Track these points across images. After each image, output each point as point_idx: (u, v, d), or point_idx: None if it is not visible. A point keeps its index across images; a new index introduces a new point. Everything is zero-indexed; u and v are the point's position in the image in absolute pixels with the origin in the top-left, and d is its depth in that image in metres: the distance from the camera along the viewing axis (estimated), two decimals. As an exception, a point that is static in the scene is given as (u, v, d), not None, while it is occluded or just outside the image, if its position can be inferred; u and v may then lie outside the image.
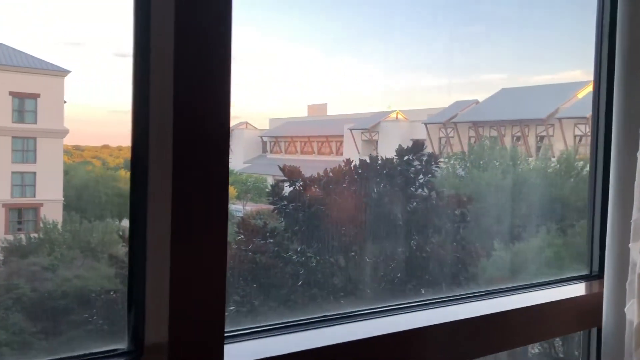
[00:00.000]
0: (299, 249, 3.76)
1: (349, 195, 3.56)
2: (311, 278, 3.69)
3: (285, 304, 3.77)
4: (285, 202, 3.76)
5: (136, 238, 0.92)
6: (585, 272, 1.54)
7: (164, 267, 0.87)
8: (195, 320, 0.91)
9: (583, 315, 1.44)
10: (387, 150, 7.95)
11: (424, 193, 3.70)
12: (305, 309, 3.77)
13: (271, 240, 3.70)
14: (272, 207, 8.25)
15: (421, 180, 3.69)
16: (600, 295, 1.45)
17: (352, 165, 3.67)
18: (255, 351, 1.07)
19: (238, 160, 9.40)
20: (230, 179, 6.00)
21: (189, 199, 0.86)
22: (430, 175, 3.68)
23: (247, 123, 9.88)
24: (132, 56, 0.94)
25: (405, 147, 3.98)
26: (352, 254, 3.86)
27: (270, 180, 9.21)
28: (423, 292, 3.60)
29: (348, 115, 9.09)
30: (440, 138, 8.18)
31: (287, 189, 3.89)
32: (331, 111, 9.43)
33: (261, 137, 9.72)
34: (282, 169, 3.89)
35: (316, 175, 3.90)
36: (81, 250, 7.09)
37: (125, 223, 8.43)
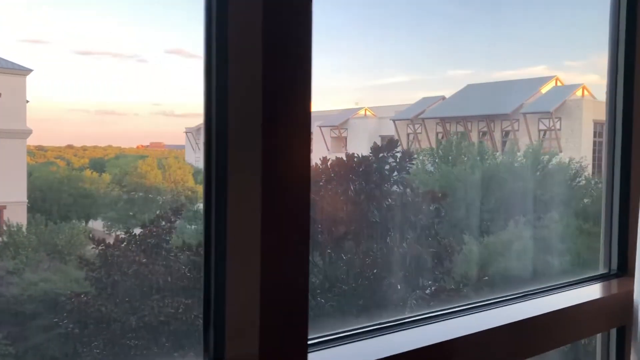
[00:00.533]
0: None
1: (328, 193, 3.58)
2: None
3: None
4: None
5: (214, 247, 0.90)
6: (603, 271, 1.57)
7: (251, 277, 0.85)
8: (282, 330, 0.89)
9: (610, 314, 1.46)
10: (356, 147, 7.99)
11: (399, 190, 3.75)
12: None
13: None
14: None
15: (395, 177, 3.73)
16: (624, 293, 1.47)
17: (328, 164, 3.68)
18: (339, 358, 1.04)
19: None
20: (199, 178, 5.91)
21: (277, 204, 0.84)
22: (404, 172, 3.74)
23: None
24: (205, 55, 0.92)
25: (380, 145, 4.01)
26: (329, 251, 3.88)
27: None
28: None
29: (317, 113, 9.11)
30: (408, 134, 8.28)
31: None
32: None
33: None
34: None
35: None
36: (47, 252, 6.95)
37: (93, 224, 8.20)
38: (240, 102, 0.88)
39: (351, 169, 3.53)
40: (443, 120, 8.06)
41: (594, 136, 7.59)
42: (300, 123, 0.86)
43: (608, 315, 1.43)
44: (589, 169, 6.71)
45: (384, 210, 3.71)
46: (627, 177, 1.52)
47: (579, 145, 7.14)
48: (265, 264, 0.83)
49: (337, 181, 3.60)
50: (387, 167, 3.74)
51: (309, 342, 0.95)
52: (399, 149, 3.82)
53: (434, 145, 7.43)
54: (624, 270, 1.55)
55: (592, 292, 1.45)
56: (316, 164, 3.79)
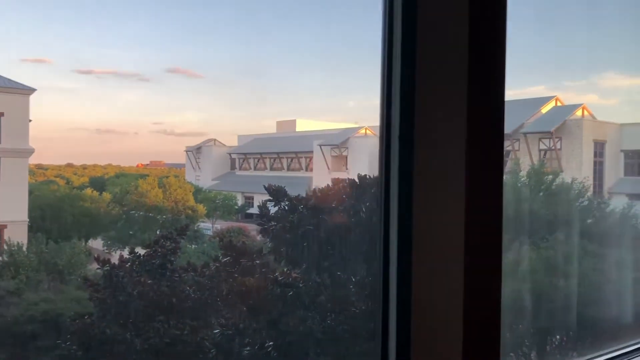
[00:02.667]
0: (285, 269, 3.75)
1: (340, 215, 3.58)
2: (299, 299, 3.68)
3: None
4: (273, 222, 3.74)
5: (400, 257, 0.87)
6: None
7: (452, 295, 0.83)
8: (479, 352, 0.87)
9: None
10: (357, 166, 8.02)
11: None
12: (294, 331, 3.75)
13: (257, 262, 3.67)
14: (241, 224, 8.17)
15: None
16: None
17: (341, 185, 3.69)
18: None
19: (207, 177, 9.32)
20: (199, 197, 5.95)
21: (481, 212, 0.83)
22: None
23: (215, 140, 9.82)
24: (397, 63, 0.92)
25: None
26: (339, 273, 3.87)
27: (239, 198, 9.16)
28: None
29: (317, 132, 9.16)
30: (409, 153, 8.32)
31: (272, 209, 3.87)
32: (300, 127, 9.47)
33: (229, 154, 9.68)
34: (267, 188, 3.86)
35: (305, 195, 3.90)
36: (48, 272, 6.88)
37: (92, 243, 8.11)
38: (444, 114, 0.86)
39: (363, 191, 3.53)
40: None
41: (594, 156, 7.65)
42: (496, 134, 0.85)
43: None
44: (591, 189, 6.76)
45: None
46: None
47: (580, 165, 7.20)
48: (469, 278, 0.81)
49: (349, 202, 3.60)
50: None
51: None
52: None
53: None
54: None
55: None
56: (328, 185, 3.80)
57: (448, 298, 0.88)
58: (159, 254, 5.43)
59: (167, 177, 8.71)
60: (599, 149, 7.28)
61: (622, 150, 7.55)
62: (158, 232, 7.52)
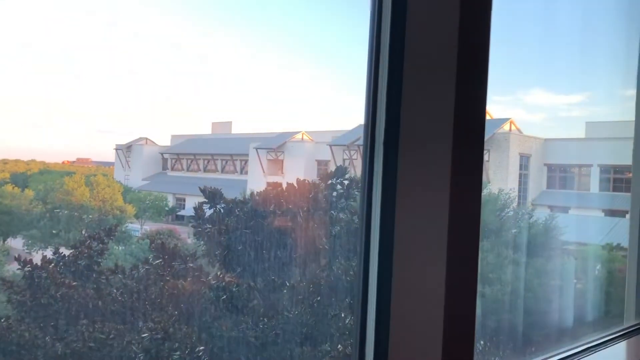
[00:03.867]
0: (219, 273, 3.70)
1: (278, 219, 3.57)
2: (232, 303, 3.64)
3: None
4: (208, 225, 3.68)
5: (377, 264, 0.84)
6: (634, 323, 1.60)
7: (431, 305, 0.81)
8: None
9: None
10: (293, 171, 8.02)
11: (346, 217, 3.79)
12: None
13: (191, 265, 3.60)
14: (172, 226, 7.98)
15: (342, 205, 3.77)
16: None
17: (279, 189, 3.68)
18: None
19: (137, 177, 9.05)
20: (128, 197, 5.80)
21: (463, 209, 0.81)
22: (352, 200, 3.79)
23: (147, 139, 9.55)
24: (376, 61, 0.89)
25: (329, 172, 4.06)
26: (273, 277, 3.84)
27: (170, 199, 8.94)
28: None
29: (253, 134, 9.08)
30: (344, 160, 8.41)
31: (207, 211, 3.80)
32: (236, 129, 9.37)
33: (162, 154, 9.43)
34: (203, 190, 3.80)
35: (242, 198, 3.86)
36: (-38, 272, 6.45)
37: (12, 242, 7.73)
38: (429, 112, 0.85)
39: (302, 195, 3.54)
40: (378, 148, 8.24)
41: (520, 168, 8.00)
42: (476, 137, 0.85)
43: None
44: (516, 201, 7.06)
45: (331, 237, 3.73)
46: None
47: (507, 177, 7.50)
48: (449, 287, 0.80)
49: (287, 207, 3.59)
50: (334, 194, 3.78)
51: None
52: (347, 175, 3.88)
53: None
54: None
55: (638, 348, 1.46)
56: (265, 188, 3.77)
57: (429, 302, 0.89)
58: (85, 254, 5.22)
59: (94, 175, 8.40)
60: (524, 162, 7.61)
61: (545, 164, 7.93)
62: (84, 232, 7.24)
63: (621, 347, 1.51)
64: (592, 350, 1.50)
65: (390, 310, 0.92)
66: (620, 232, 6.21)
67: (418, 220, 0.94)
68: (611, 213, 7.17)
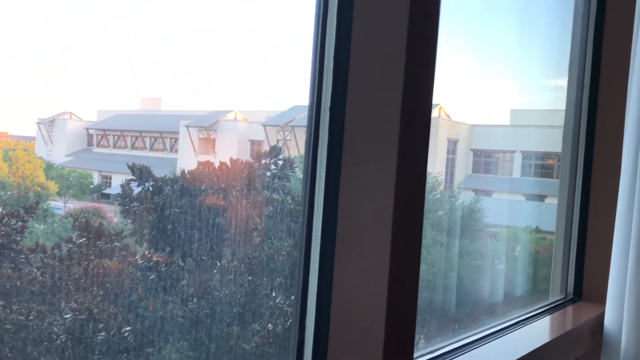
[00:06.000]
0: (147, 253, 3.61)
1: (211, 197, 3.51)
2: (160, 283, 3.57)
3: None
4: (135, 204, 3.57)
5: (319, 250, 0.81)
6: (559, 297, 1.67)
7: (374, 285, 0.78)
8: (393, 344, 0.83)
9: (579, 342, 1.53)
10: (225, 150, 7.89)
11: (279, 197, 3.78)
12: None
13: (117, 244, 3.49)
14: (97, 205, 7.71)
15: (276, 185, 3.76)
16: (592, 320, 1.55)
17: (211, 168, 3.61)
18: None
19: (60, 153, 8.64)
20: (50, 173, 5.59)
21: (405, 207, 0.79)
22: (285, 180, 3.78)
23: (71, 113, 9.12)
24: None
25: (264, 151, 4.02)
26: (204, 257, 3.80)
27: (96, 177, 8.62)
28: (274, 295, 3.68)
29: (184, 112, 8.84)
30: (278, 140, 8.35)
31: (135, 190, 3.69)
32: (166, 106, 9.10)
33: (87, 129, 9.04)
34: (131, 167, 3.68)
35: (173, 177, 3.76)
36: None
37: None
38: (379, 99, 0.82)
39: (235, 175, 3.49)
40: (310, 129, 8.25)
41: (447, 153, 8.22)
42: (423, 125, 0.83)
43: (577, 344, 1.54)
44: (443, 184, 7.26)
45: (264, 217, 3.71)
46: (587, 198, 1.65)
47: (435, 161, 7.70)
48: (393, 268, 0.79)
49: (219, 186, 3.54)
50: (268, 174, 3.76)
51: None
52: (281, 156, 3.86)
53: (302, 153, 7.58)
54: (579, 295, 1.68)
55: (561, 321, 1.54)
56: (197, 167, 3.70)
57: (372, 291, 0.90)
58: (2, 232, 4.97)
59: (14, 150, 7.98)
60: (452, 146, 7.83)
61: (471, 149, 8.20)
62: (1, 210, 6.88)
63: (545, 321, 1.61)
64: (520, 325, 1.58)
65: (332, 297, 0.93)
66: (539, 215, 6.53)
67: (363, 202, 0.95)
68: (531, 197, 7.52)
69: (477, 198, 6.41)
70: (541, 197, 7.35)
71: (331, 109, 0.87)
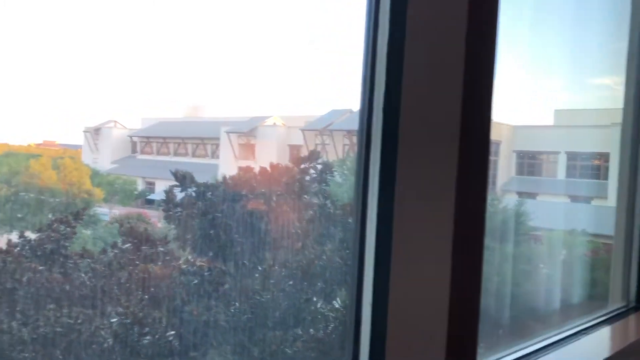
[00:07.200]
0: (190, 257, 3.66)
1: (251, 204, 3.55)
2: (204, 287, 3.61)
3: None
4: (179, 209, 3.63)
5: (374, 252, 0.81)
6: (620, 305, 1.62)
7: (436, 287, 0.78)
8: (457, 345, 0.83)
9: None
10: (265, 155, 7.96)
11: (319, 201, 3.79)
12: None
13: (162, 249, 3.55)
14: (141, 210, 7.87)
15: (315, 189, 3.76)
16: None
17: (252, 173, 3.65)
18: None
19: (105, 160, 8.87)
20: (96, 180, 5.73)
21: (469, 203, 0.78)
22: (324, 184, 3.78)
23: (115, 122, 9.35)
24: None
25: (303, 156, 4.05)
26: (245, 262, 3.83)
27: (140, 183, 8.81)
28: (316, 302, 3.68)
29: (225, 118, 8.96)
30: (316, 145, 8.38)
31: (179, 195, 3.75)
32: (207, 113, 9.24)
33: (131, 137, 9.26)
34: (175, 173, 3.75)
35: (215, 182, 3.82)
36: None
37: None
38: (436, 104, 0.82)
39: (275, 179, 3.52)
40: (350, 133, 8.24)
41: (490, 155, 8.10)
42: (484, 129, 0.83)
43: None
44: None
45: (304, 222, 3.73)
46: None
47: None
48: (455, 269, 0.78)
49: (260, 191, 3.57)
50: (307, 178, 3.77)
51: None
52: (320, 160, 3.87)
53: (341, 157, 7.57)
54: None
55: (623, 332, 1.47)
56: (238, 172, 3.74)
57: (433, 300, 0.88)
58: (52, 238, 5.12)
59: (62, 158, 8.22)
60: (495, 148, 7.71)
61: (514, 151, 8.04)
62: (50, 216, 7.09)
63: (605, 332, 1.54)
64: (577, 337, 1.52)
65: (388, 306, 0.91)
66: (585, 217, 6.35)
67: (421, 208, 0.93)
68: (577, 199, 7.33)
69: (521, 201, 6.28)
70: (587, 199, 7.15)
71: (384, 110, 0.86)
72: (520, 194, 7.24)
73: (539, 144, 8.24)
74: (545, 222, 6.21)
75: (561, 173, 8.08)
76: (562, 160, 8.24)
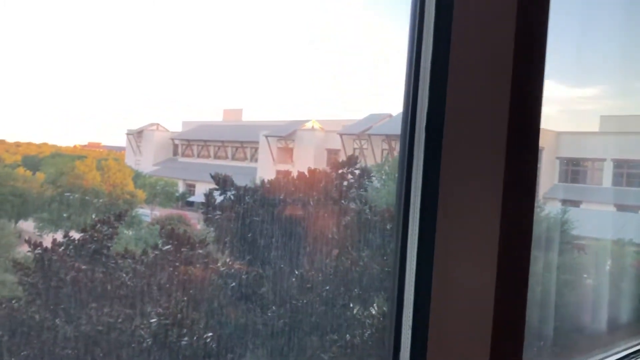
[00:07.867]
0: (228, 260, 3.69)
1: (288, 208, 3.56)
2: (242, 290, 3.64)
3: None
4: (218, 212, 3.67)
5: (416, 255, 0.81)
6: None
7: (481, 290, 0.78)
8: (503, 350, 0.82)
9: None
10: (302, 160, 7.99)
11: (356, 207, 3.77)
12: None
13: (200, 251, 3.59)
14: (182, 212, 8.00)
15: (353, 194, 3.76)
16: None
17: (290, 177, 3.67)
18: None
19: (147, 162, 9.06)
20: (139, 182, 5.83)
21: (516, 207, 0.78)
22: (362, 190, 3.77)
23: (158, 125, 9.55)
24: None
25: (341, 160, 4.04)
26: (282, 266, 3.84)
27: (180, 185, 8.96)
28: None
29: (264, 122, 9.06)
30: (354, 149, 8.36)
31: (218, 198, 3.80)
32: (246, 117, 9.35)
33: (172, 140, 9.44)
34: (214, 177, 3.79)
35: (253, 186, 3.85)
36: (-26, 253, 6.51)
37: (22, 224, 7.79)
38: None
39: (312, 184, 3.52)
40: (388, 138, 8.19)
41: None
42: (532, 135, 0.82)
43: None
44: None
45: (341, 227, 3.72)
46: None
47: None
48: (501, 277, 0.77)
49: (297, 195, 3.58)
50: (345, 183, 3.76)
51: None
52: (358, 165, 3.86)
53: (379, 161, 7.53)
54: None
55: None
56: (276, 176, 3.76)
57: (476, 303, 0.86)
58: (95, 238, 5.23)
59: (106, 159, 8.41)
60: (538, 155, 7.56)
61: (557, 158, 7.86)
62: (94, 217, 7.27)
63: None
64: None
65: (430, 314, 0.89)
66: (632, 227, 6.14)
67: (466, 217, 0.90)
68: (624, 208, 7.11)
69: (565, 209, 6.13)
70: (635, 208, 6.93)
71: (428, 114, 0.84)
72: (563, 201, 7.07)
73: (584, 150, 8.03)
74: (589, 230, 6.04)
75: (607, 181, 7.86)
76: (608, 168, 8.02)
